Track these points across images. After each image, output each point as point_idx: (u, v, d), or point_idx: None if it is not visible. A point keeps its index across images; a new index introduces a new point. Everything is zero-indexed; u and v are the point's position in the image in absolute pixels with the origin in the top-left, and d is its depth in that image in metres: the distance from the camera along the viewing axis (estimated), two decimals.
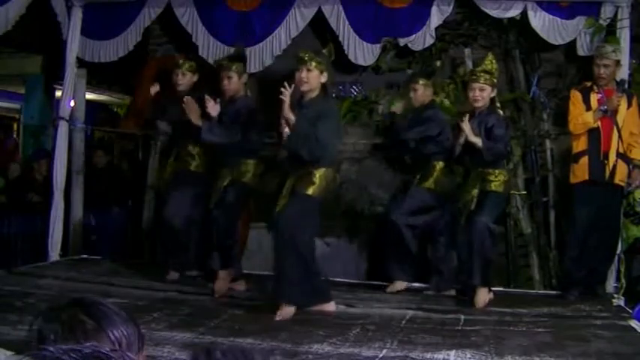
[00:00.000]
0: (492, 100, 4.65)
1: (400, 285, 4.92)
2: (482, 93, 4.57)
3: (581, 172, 4.78)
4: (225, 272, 4.69)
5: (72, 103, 5.94)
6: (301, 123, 4.08)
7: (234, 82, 4.75)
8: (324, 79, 4.19)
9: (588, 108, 4.76)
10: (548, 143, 5.74)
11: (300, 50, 4.32)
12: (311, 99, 4.19)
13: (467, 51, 5.55)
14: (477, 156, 4.54)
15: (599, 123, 4.72)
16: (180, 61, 5.22)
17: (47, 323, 1.13)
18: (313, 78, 4.14)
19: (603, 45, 4.89)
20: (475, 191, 4.56)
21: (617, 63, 4.78)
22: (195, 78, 5.23)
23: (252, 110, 4.76)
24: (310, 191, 4.11)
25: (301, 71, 4.14)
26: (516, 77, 5.85)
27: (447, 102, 5.82)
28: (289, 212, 4.10)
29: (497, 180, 4.57)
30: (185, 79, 5.17)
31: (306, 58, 4.14)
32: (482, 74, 4.57)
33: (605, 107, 4.69)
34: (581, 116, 4.76)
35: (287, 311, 4.06)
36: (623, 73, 4.95)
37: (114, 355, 0.94)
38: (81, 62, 6.01)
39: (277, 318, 4.02)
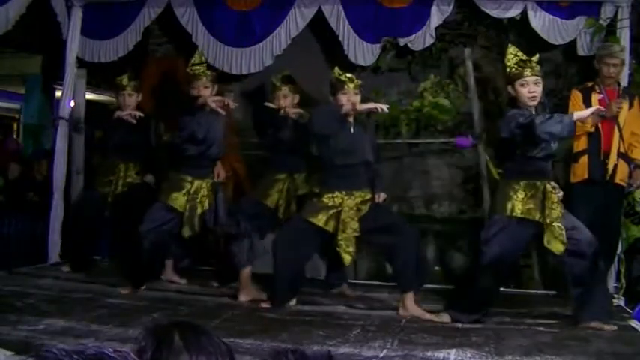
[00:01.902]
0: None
1: None
2: (538, 88, 3.87)
3: (581, 171, 4.79)
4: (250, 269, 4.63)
5: (72, 103, 5.94)
6: (366, 141, 4.35)
7: (209, 92, 4.65)
8: None
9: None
10: None
11: (342, 72, 4.31)
12: (353, 118, 4.27)
13: (467, 51, 5.55)
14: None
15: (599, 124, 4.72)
16: (124, 82, 5.15)
17: (146, 336, 1.17)
18: (358, 100, 4.25)
19: (612, 44, 4.89)
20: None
21: (623, 62, 4.80)
22: (140, 97, 5.22)
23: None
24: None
25: (355, 93, 4.22)
26: None
27: (446, 102, 5.82)
28: (397, 218, 4.55)
29: None
30: (132, 99, 5.15)
31: (359, 82, 4.27)
32: (536, 64, 3.91)
33: (604, 113, 4.68)
34: None
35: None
36: (624, 73, 4.95)
37: (116, 355, 0.94)
38: (81, 62, 6.01)
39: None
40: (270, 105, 4.84)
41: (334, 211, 4.18)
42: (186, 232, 4.65)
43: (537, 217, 3.90)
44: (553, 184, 4.04)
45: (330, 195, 4.21)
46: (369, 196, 4.28)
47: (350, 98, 4.19)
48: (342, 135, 4.21)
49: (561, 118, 3.73)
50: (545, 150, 3.92)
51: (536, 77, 3.87)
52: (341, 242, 4.15)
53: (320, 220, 4.18)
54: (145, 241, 4.55)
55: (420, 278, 4.30)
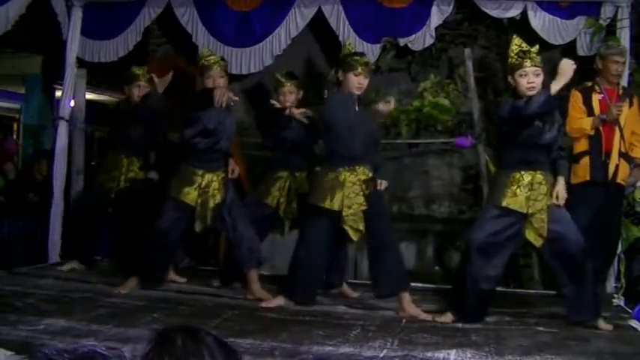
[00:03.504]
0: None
1: None
2: (537, 79, 3.86)
3: (582, 172, 4.78)
4: (256, 271, 4.65)
5: (72, 103, 5.94)
6: (367, 122, 4.27)
7: (225, 82, 4.64)
8: None
9: (589, 109, 4.76)
10: None
11: (358, 55, 4.30)
12: (357, 99, 4.24)
13: (467, 51, 5.55)
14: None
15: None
16: (140, 73, 5.15)
17: (153, 340, 1.17)
18: (366, 84, 4.24)
19: (618, 43, 4.90)
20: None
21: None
22: (150, 89, 5.20)
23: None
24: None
25: (365, 77, 4.20)
26: None
27: (446, 102, 5.82)
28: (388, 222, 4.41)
29: None
30: (143, 92, 5.12)
31: (372, 66, 4.28)
32: (536, 55, 3.89)
33: (604, 117, 4.68)
34: (579, 121, 4.74)
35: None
36: (624, 73, 4.96)
37: (109, 353, 0.94)
38: (81, 62, 6.01)
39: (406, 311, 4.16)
40: (276, 103, 4.82)
41: (339, 190, 4.15)
42: (198, 226, 4.58)
43: (523, 207, 3.90)
44: (558, 181, 4.02)
45: (333, 173, 4.18)
46: (370, 175, 4.25)
47: (360, 81, 4.19)
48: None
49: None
50: (532, 137, 3.89)
51: (536, 68, 3.86)
52: (348, 219, 4.13)
53: (334, 204, 4.14)
54: (160, 240, 4.51)
55: (404, 283, 4.32)
